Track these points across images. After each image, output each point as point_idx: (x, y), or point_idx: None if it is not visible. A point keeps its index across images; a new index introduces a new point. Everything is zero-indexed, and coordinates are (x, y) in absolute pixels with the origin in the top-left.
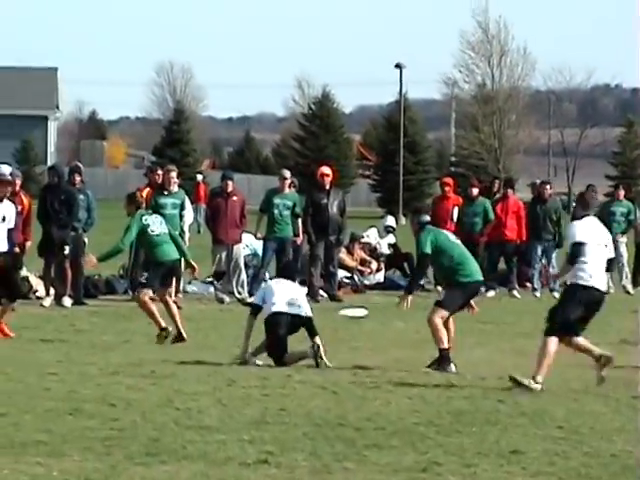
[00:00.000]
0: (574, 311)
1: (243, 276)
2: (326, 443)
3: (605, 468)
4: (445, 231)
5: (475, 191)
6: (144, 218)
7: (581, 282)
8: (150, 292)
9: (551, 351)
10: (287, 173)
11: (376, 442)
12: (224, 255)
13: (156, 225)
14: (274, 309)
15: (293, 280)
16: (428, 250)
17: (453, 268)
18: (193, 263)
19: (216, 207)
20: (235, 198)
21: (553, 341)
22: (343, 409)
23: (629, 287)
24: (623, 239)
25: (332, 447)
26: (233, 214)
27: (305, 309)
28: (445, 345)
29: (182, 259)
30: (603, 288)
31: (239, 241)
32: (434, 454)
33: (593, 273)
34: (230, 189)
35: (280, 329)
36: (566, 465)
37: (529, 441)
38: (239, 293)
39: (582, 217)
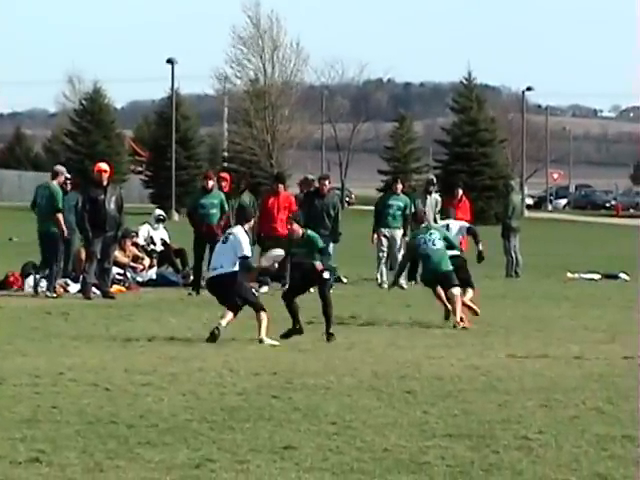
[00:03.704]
0: None
1: None
2: (98, 441)
3: (378, 463)
4: None
5: (211, 183)
6: None
7: None
8: None
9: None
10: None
11: (149, 439)
12: None
13: None
14: None
15: None
16: None
17: None
18: None
19: None
20: None
21: None
22: (115, 406)
23: (403, 282)
24: (399, 232)
25: (104, 445)
26: None
27: None
28: None
29: None
30: None
31: None
32: (207, 451)
33: None
34: None
35: None
36: (339, 460)
37: (302, 437)
38: None
39: None
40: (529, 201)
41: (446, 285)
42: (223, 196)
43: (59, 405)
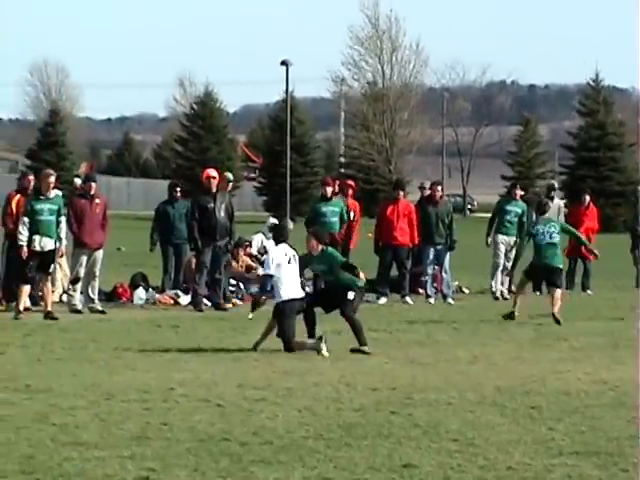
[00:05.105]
0: None
1: (97, 282)
2: (210, 459)
3: None
4: None
5: (329, 190)
6: None
7: None
8: None
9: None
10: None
11: (263, 457)
12: (84, 260)
13: None
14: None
15: None
16: None
17: None
18: None
19: (80, 210)
20: (98, 201)
21: None
22: (228, 423)
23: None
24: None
25: (217, 463)
26: (98, 217)
27: None
28: None
29: None
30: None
31: (102, 245)
32: (324, 469)
33: None
34: (93, 191)
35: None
36: (461, 479)
37: (423, 454)
38: (92, 300)
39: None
40: None
41: (551, 282)
42: (344, 204)
43: (169, 422)
